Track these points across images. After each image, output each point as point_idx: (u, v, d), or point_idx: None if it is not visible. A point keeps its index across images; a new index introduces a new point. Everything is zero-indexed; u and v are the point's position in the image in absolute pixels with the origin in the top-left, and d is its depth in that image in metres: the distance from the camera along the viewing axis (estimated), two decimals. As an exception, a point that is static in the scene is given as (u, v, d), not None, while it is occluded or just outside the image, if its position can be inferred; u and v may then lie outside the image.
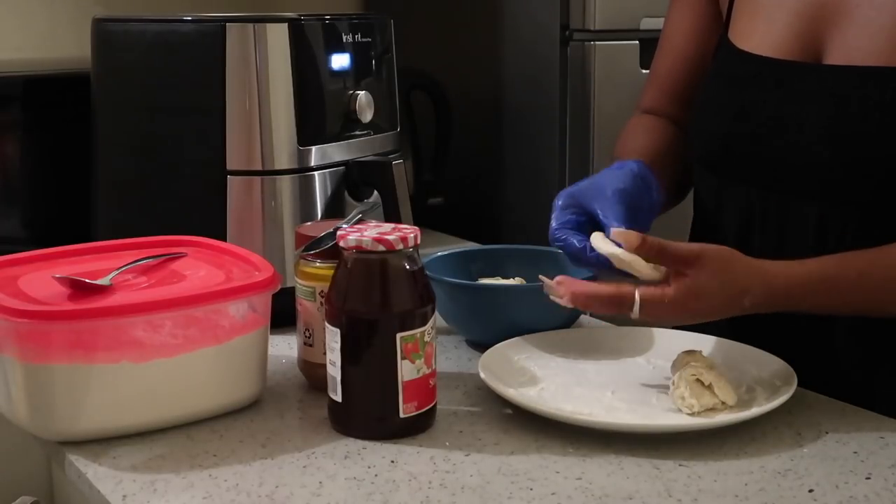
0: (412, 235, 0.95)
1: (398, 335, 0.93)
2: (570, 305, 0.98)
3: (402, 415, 0.95)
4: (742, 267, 0.99)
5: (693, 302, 0.96)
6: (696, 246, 0.98)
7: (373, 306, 0.94)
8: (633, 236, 0.97)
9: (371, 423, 0.96)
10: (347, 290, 0.94)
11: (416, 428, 0.96)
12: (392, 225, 0.98)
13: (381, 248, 0.93)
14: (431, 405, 0.97)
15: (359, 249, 0.94)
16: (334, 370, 0.95)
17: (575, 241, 1.03)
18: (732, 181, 1.14)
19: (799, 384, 1.00)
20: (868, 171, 1.03)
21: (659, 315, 0.97)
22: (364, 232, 0.95)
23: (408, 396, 0.94)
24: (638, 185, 1.07)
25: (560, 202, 1.07)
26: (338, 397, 0.96)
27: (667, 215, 1.16)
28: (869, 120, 1.03)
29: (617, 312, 0.97)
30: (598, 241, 1.01)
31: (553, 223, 1.05)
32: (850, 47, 1.05)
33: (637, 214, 1.05)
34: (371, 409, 0.95)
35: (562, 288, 0.99)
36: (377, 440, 0.95)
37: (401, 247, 0.93)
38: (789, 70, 1.09)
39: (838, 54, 1.06)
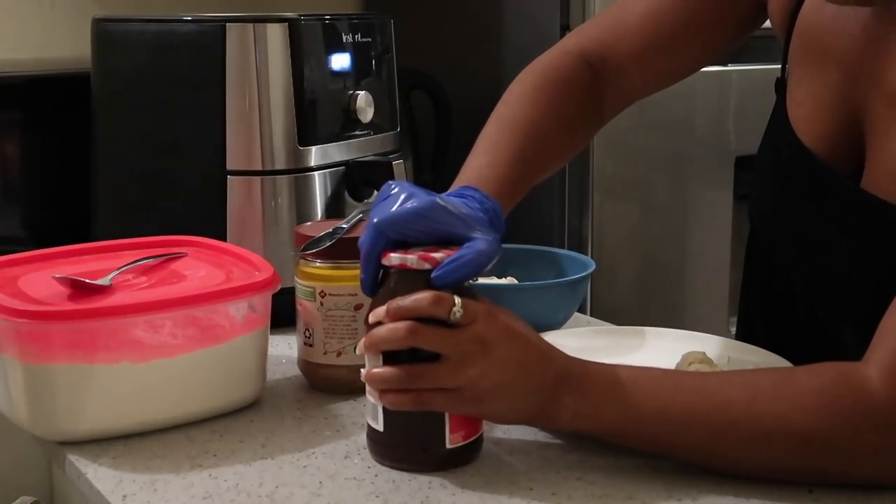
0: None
1: None
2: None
3: (448, 445, 0.88)
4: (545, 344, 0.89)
5: (482, 348, 0.85)
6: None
7: None
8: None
9: (414, 453, 0.89)
10: None
11: (462, 459, 0.90)
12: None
13: (427, 266, 0.87)
14: (478, 435, 0.91)
15: (403, 268, 0.87)
16: (374, 396, 0.89)
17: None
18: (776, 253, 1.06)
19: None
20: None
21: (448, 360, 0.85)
22: (408, 250, 0.88)
23: (455, 426, 0.88)
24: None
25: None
26: (378, 426, 0.89)
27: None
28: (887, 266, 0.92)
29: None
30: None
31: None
32: (881, 170, 0.93)
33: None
34: (414, 439, 0.88)
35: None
36: (421, 472, 0.89)
37: None
38: (825, 181, 0.98)
39: (871, 170, 0.95)
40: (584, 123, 1.12)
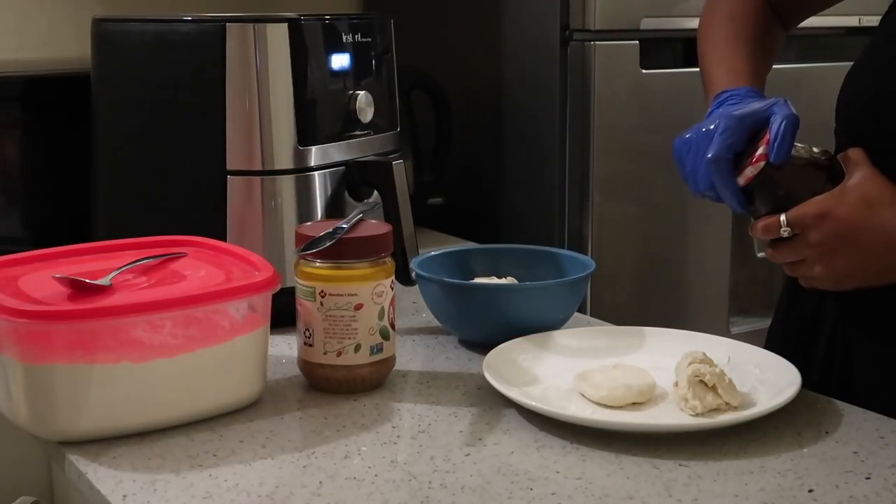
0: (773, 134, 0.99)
1: None
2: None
3: None
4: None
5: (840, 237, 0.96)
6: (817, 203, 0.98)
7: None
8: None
9: None
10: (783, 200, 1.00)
11: None
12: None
13: (762, 163, 0.99)
14: None
15: (751, 180, 1.00)
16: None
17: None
18: (882, 154, 1.02)
19: (803, 386, 0.99)
20: None
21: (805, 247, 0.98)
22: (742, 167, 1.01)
23: None
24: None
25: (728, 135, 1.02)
26: None
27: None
28: None
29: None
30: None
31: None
32: None
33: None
34: None
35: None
36: None
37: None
38: None
39: None
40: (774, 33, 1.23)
